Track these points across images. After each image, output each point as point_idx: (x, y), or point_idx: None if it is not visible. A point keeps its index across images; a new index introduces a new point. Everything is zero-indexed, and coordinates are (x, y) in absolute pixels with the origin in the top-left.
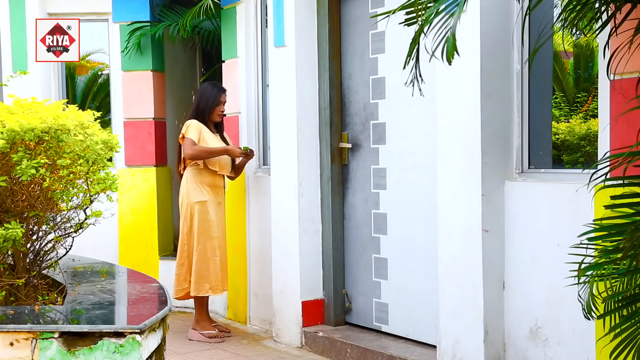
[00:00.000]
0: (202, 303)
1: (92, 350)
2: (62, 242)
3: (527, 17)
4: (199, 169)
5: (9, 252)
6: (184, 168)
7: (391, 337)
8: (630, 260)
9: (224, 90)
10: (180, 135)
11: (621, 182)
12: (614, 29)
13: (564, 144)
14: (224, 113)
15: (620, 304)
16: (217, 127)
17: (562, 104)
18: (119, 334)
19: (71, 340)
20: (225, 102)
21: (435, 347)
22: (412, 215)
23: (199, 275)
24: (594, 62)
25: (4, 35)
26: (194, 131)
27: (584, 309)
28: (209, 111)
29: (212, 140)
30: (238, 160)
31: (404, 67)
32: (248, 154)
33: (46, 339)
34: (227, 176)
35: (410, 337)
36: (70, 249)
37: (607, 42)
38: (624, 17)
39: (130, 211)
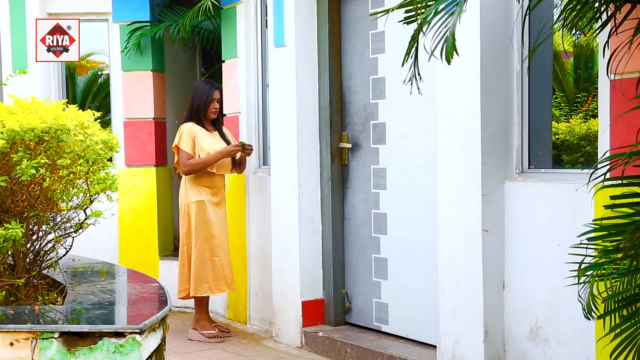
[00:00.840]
0: (202, 303)
1: (92, 350)
2: (62, 242)
3: (527, 16)
4: None
5: (9, 252)
6: None
7: (391, 337)
8: (630, 260)
9: (216, 87)
10: (174, 145)
11: (621, 182)
12: (613, 28)
13: (564, 144)
14: (224, 113)
15: (620, 304)
16: (215, 124)
17: (562, 104)
18: (119, 334)
19: (71, 340)
20: (218, 98)
21: (435, 347)
22: (412, 215)
23: (197, 275)
24: (594, 62)
25: (4, 35)
26: (187, 140)
27: (584, 309)
28: (204, 109)
29: (207, 141)
30: (238, 156)
31: (402, 65)
32: (245, 149)
33: (46, 339)
34: (237, 172)
35: (410, 337)
36: (70, 249)
37: (607, 42)
38: (624, 17)
39: (130, 211)
